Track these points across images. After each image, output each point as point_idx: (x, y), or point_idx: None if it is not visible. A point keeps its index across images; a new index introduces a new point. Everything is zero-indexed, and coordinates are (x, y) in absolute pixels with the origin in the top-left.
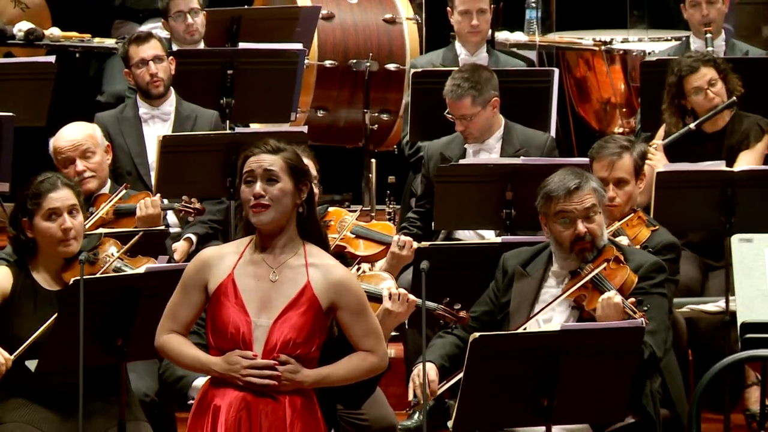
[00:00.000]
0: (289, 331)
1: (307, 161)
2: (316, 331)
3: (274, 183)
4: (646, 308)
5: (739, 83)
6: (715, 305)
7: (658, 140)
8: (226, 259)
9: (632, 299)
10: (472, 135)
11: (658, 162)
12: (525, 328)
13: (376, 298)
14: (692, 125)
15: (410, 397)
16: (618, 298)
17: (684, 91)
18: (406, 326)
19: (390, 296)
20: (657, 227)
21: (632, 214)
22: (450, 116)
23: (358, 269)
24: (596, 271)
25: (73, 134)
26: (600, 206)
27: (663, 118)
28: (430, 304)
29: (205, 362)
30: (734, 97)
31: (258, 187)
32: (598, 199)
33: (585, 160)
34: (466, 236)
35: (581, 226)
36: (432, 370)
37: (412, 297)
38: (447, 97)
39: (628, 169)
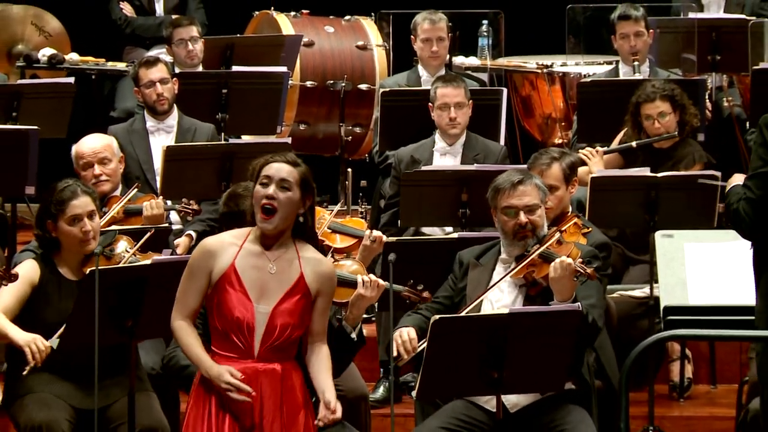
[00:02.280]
0: (288, 317)
1: None
2: (306, 315)
3: (285, 190)
4: (595, 265)
5: (696, 117)
6: (641, 291)
7: (603, 147)
8: (228, 249)
9: (580, 260)
10: (459, 126)
11: (594, 164)
12: (480, 302)
13: (350, 283)
14: (634, 144)
15: (395, 353)
16: (569, 260)
17: (639, 113)
18: (376, 309)
19: (363, 283)
20: (590, 229)
21: (570, 222)
22: (441, 107)
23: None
24: (544, 247)
25: (94, 143)
26: (542, 203)
27: (624, 128)
28: (396, 286)
29: (204, 366)
30: (675, 132)
31: (271, 189)
32: (540, 195)
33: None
34: (433, 231)
35: (523, 217)
36: (412, 330)
37: (381, 282)
38: (448, 87)
39: (558, 176)
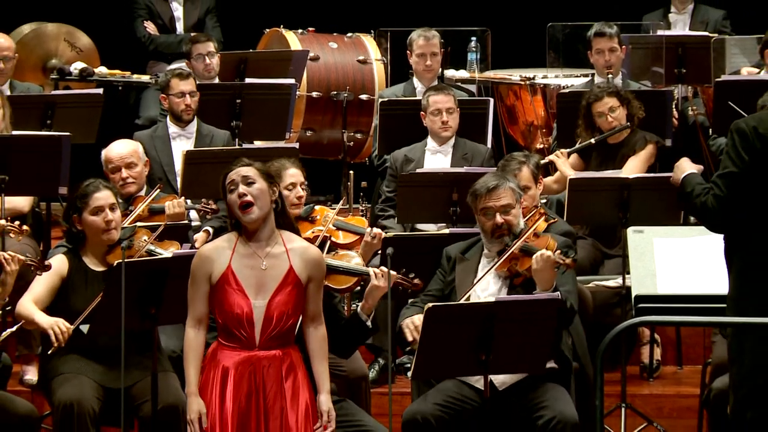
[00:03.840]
0: (282, 307)
1: (297, 170)
2: (300, 302)
3: (252, 184)
4: (572, 255)
5: (640, 108)
6: (614, 282)
7: (567, 150)
8: (223, 253)
9: (559, 251)
10: (450, 128)
11: (562, 164)
12: (468, 296)
13: (350, 272)
14: (593, 140)
15: (410, 338)
16: (549, 252)
17: (591, 113)
18: None
19: (375, 275)
20: (556, 219)
21: (534, 211)
22: (434, 113)
23: (334, 251)
24: (521, 241)
25: (122, 149)
26: (517, 203)
27: (578, 131)
28: (391, 272)
29: (189, 388)
30: (627, 123)
31: (240, 188)
32: (514, 197)
33: None
34: (430, 227)
35: (499, 218)
36: (416, 317)
37: (393, 273)
38: (440, 95)
39: (528, 177)
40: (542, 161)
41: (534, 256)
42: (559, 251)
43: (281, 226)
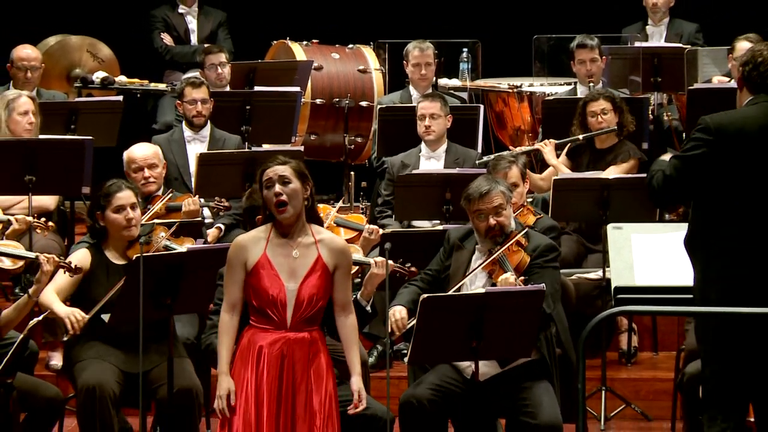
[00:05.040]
0: (312, 290)
1: None
2: (328, 287)
3: (287, 184)
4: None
5: (632, 122)
6: (595, 274)
7: (554, 140)
8: (259, 242)
9: (522, 278)
10: (434, 133)
11: (548, 153)
12: (459, 287)
13: (357, 263)
14: (580, 137)
15: (389, 330)
16: (512, 279)
17: (585, 112)
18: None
19: (376, 263)
20: (542, 215)
21: (522, 207)
22: (420, 118)
23: None
24: (499, 252)
25: (145, 151)
26: (507, 203)
27: (572, 129)
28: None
29: (221, 368)
30: (615, 128)
31: (277, 188)
32: (505, 198)
33: None
34: (424, 224)
35: (492, 220)
36: (403, 310)
37: (390, 262)
38: (425, 101)
39: (517, 175)
40: (528, 148)
41: (499, 279)
42: (522, 278)
43: (310, 220)
